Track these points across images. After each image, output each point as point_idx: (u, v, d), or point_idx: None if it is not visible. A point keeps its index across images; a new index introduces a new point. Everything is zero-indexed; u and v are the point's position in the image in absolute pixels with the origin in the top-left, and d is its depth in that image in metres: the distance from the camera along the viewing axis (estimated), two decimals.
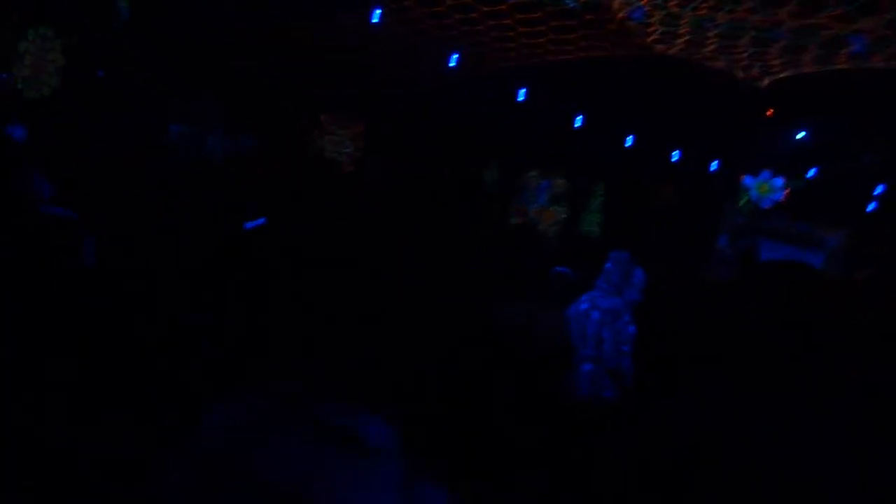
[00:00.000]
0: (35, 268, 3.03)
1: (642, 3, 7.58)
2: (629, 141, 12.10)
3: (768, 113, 11.71)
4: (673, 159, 12.10)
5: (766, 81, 9.83)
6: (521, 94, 10.98)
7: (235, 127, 10.37)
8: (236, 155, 10.40)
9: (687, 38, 8.53)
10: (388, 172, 11.98)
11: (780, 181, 11.95)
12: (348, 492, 1.47)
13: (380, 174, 12.00)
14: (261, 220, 6.54)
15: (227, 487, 1.45)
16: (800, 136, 11.96)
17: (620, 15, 8.14)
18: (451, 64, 9.96)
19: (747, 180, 12.09)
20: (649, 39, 8.79)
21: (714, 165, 12.17)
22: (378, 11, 8.69)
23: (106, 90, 8.56)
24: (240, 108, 10.22)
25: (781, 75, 9.55)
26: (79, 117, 8.28)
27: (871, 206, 12.29)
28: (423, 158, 12.27)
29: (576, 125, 11.69)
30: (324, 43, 10.23)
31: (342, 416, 1.57)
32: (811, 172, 12.10)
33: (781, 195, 12.04)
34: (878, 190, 11.99)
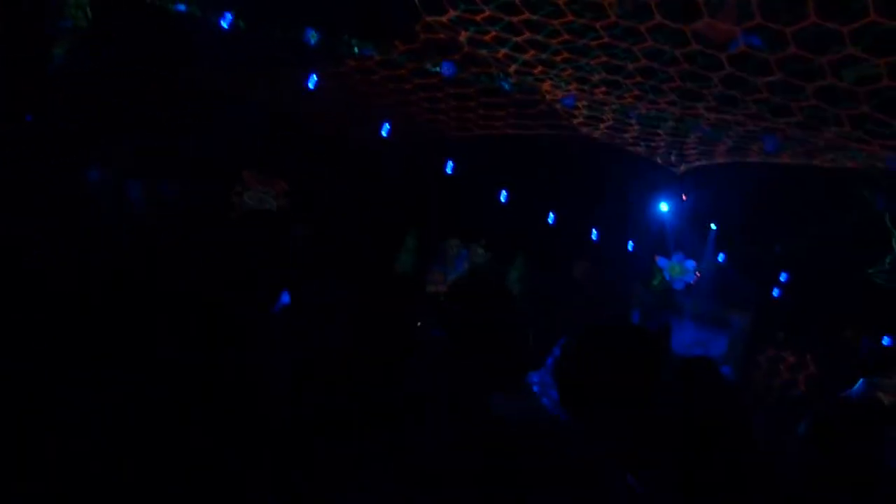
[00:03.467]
0: None
1: (571, 89, 7.88)
2: (550, 217, 12.40)
3: (683, 198, 12.22)
4: (592, 237, 12.45)
5: (682, 168, 10.28)
6: (448, 167, 11.18)
7: (157, 174, 10.20)
8: (158, 203, 10.21)
9: (610, 123, 8.89)
10: (309, 232, 11.93)
11: (691, 263, 12.42)
12: None
13: (301, 233, 11.93)
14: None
15: None
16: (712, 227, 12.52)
17: (550, 97, 8.44)
18: (383, 133, 10.09)
19: (661, 262, 12.53)
20: (575, 122, 9.13)
21: (630, 246, 12.58)
22: (314, 77, 8.79)
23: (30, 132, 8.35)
24: (162, 156, 10.07)
25: (696, 164, 10.01)
26: None
27: (775, 292, 12.85)
28: (346, 220, 12.29)
29: (500, 199, 11.93)
30: (256, 98, 10.26)
31: None
32: (721, 257, 12.63)
33: (693, 277, 12.51)
34: (783, 277, 12.58)
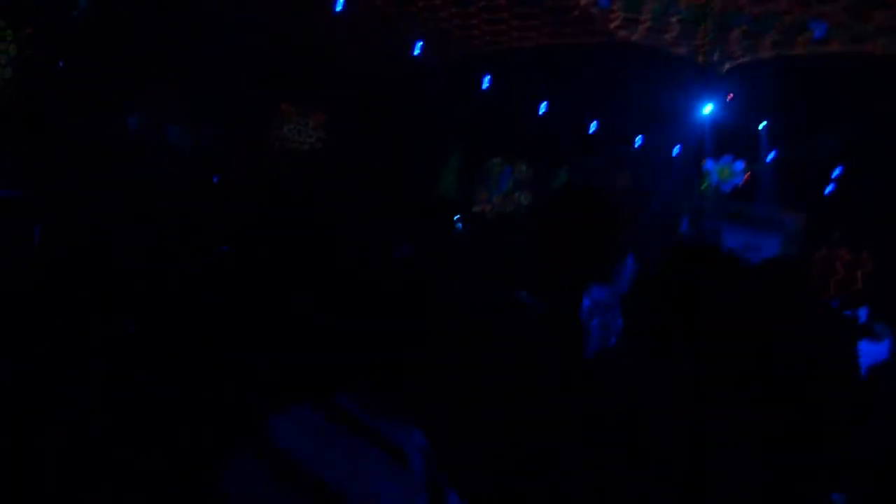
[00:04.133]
0: None
1: None
2: (592, 127, 12.17)
3: (729, 97, 11.85)
4: (636, 144, 12.20)
5: (726, 67, 9.95)
6: (486, 82, 10.98)
7: (198, 117, 10.22)
8: (200, 145, 10.26)
9: (649, 24, 8.61)
10: (352, 161, 11.91)
11: (740, 165, 12.10)
12: (385, 494, 1.58)
13: (343, 162, 11.92)
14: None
15: (289, 489, 1.57)
16: (761, 125, 12.15)
17: (585, 2, 8.18)
18: (415, 52, 9.91)
19: (709, 164, 12.23)
20: (612, 26, 8.85)
21: (676, 150, 12.30)
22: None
23: (64, 80, 8.37)
24: (202, 99, 10.07)
25: (741, 61, 9.68)
26: (35, 108, 8.09)
27: (828, 189, 12.52)
28: (388, 147, 12.21)
29: (539, 112, 11.72)
30: (287, 31, 10.14)
31: (384, 427, 1.68)
32: (770, 156, 12.28)
33: (741, 179, 12.20)
34: (836, 172, 12.22)
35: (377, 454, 1.58)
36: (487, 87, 11.01)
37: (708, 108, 11.57)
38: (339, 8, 8.56)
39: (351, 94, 11.74)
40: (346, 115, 12.11)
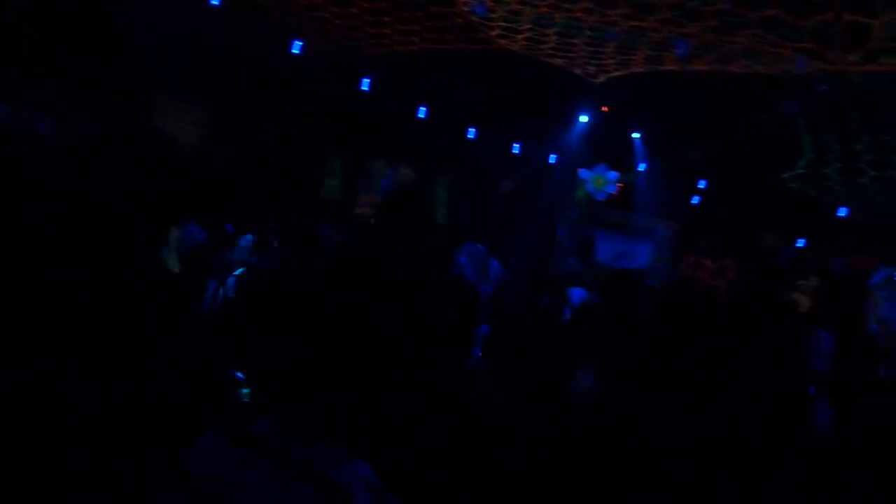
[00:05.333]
0: None
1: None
2: (471, 133, 12.31)
3: (604, 109, 12.24)
4: (514, 152, 12.42)
5: (601, 78, 10.26)
6: (365, 84, 10.94)
7: (70, 109, 9.74)
8: (71, 138, 9.77)
9: (528, 34, 8.77)
10: (233, 157, 11.63)
11: (613, 175, 12.51)
12: None
13: (224, 160, 11.62)
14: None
15: None
16: (635, 136, 12.59)
17: (464, 9, 8.26)
18: (295, 50, 9.77)
19: (583, 173, 12.59)
20: (492, 34, 8.98)
21: (552, 159, 12.60)
22: None
23: None
24: (74, 90, 9.61)
25: (615, 74, 9.99)
26: None
27: (695, 200, 13.09)
28: (268, 144, 12.00)
29: (421, 116, 11.77)
30: (159, 19, 9.81)
31: (317, 460, 1.46)
32: (642, 167, 12.75)
33: (615, 188, 12.62)
34: (702, 184, 12.80)
35: (311, 494, 1.38)
36: (369, 90, 10.97)
37: (584, 118, 11.93)
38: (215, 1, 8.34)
39: (231, 89, 11.47)
40: (225, 112, 11.83)
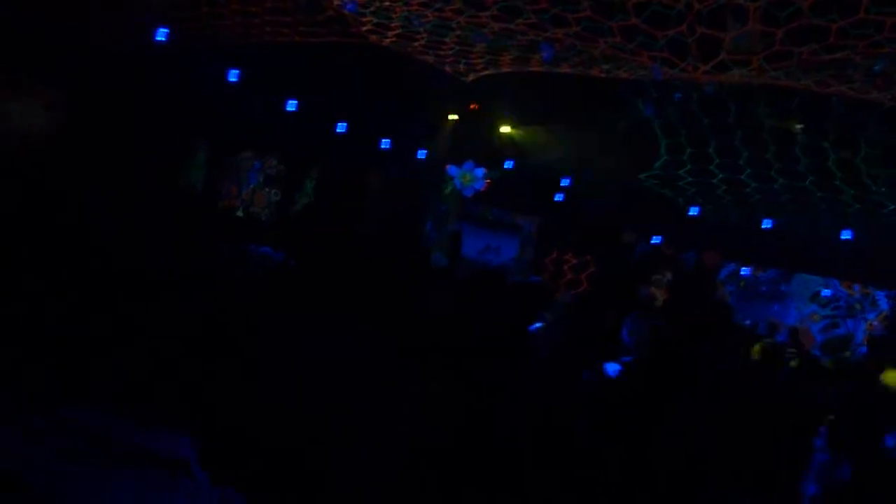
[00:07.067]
0: None
1: None
2: (341, 127, 12.26)
3: (472, 106, 12.46)
4: (382, 146, 12.46)
5: (470, 77, 10.43)
6: (233, 75, 10.71)
7: None
8: None
9: (399, 31, 8.82)
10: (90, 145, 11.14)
11: (481, 171, 12.78)
12: None
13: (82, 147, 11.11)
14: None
15: None
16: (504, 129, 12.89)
17: (336, 3, 8.22)
18: (160, 38, 9.45)
19: (451, 170, 12.79)
20: (363, 29, 8.97)
21: (421, 154, 12.71)
22: None
23: None
24: None
25: (484, 73, 10.19)
26: None
27: (558, 196, 13.52)
28: (129, 132, 11.56)
29: (288, 108, 11.63)
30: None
31: (136, 434, 1.44)
32: (509, 164, 13.06)
33: (482, 184, 12.89)
34: (564, 182, 13.23)
35: (152, 471, 1.38)
36: (237, 81, 10.74)
37: (453, 117, 12.11)
38: None
39: (87, 74, 10.99)
40: (80, 98, 11.33)
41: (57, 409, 1.53)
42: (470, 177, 12.66)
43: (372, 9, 8.20)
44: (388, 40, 9.33)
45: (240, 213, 14.54)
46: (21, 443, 1.48)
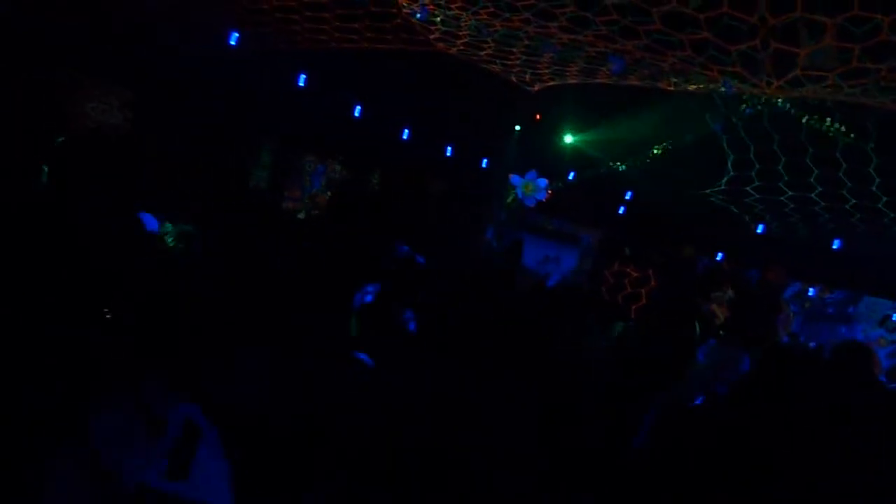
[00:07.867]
0: None
1: (426, 3, 7.76)
2: (405, 133, 12.35)
3: (537, 117, 12.43)
4: (446, 154, 12.52)
5: (536, 87, 10.42)
6: (301, 80, 10.87)
7: None
8: None
9: (466, 40, 8.85)
10: (162, 145, 11.41)
11: (543, 182, 12.74)
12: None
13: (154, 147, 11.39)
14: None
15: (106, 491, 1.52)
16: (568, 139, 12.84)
17: (405, 11, 8.29)
18: (231, 42, 9.64)
19: (514, 179, 12.78)
20: (431, 37, 9.03)
21: (484, 163, 12.73)
22: None
23: None
24: None
25: (550, 84, 10.16)
26: None
27: (621, 209, 13.41)
28: (199, 134, 11.81)
29: (355, 114, 11.76)
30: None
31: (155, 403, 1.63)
32: (571, 175, 13.00)
33: (544, 195, 12.85)
34: (628, 195, 13.12)
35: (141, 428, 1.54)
36: (304, 86, 10.90)
37: (517, 126, 12.10)
38: None
39: (161, 74, 11.26)
40: (155, 97, 11.60)
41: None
42: (532, 186, 12.63)
43: (441, 17, 8.25)
44: (455, 49, 9.38)
45: (301, 216, 14.73)
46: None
